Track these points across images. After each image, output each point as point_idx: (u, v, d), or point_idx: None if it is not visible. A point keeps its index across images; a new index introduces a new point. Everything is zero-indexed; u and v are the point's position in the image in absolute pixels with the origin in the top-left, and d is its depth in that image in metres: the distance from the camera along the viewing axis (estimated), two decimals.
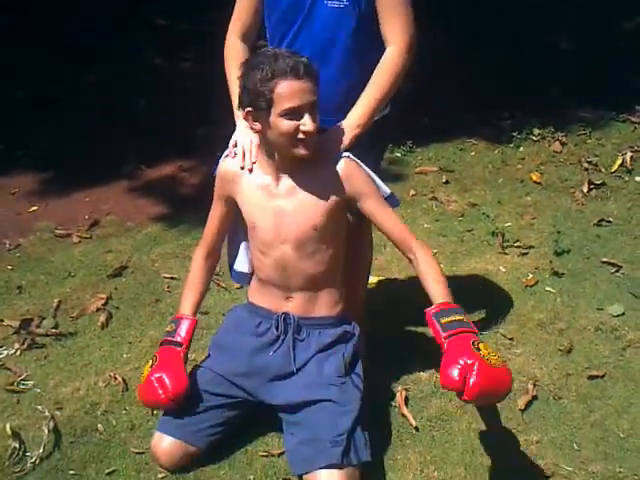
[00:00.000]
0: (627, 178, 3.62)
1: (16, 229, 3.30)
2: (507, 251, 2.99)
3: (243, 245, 2.11)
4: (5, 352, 2.42)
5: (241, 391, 1.96)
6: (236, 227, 2.08)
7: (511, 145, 4.05)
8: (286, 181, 1.90)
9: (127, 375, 2.29)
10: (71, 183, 3.70)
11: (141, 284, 2.83)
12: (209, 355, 2.08)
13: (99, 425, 2.09)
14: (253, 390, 1.97)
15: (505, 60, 4.80)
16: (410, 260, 1.91)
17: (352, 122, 1.91)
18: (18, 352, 2.42)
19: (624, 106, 4.34)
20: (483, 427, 2.05)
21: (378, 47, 1.94)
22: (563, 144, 4.02)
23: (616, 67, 4.77)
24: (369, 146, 1.98)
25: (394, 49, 1.92)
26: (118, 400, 2.19)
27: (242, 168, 1.93)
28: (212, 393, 1.95)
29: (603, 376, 2.24)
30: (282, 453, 1.95)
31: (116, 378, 2.27)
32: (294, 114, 1.75)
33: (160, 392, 1.86)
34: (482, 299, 2.63)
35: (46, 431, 2.03)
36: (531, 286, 2.73)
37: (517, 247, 3.01)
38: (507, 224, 3.21)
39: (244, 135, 1.95)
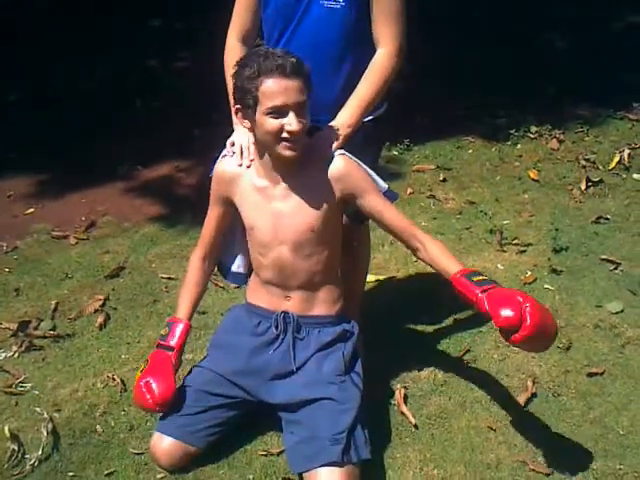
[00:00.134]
0: (625, 175, 3.62)
1: (13, 231, 3.29)
2: (505, 249, 2.98)
3: (238, 245, 2.10)
4: (3, 354, 2.42)
5: (241, 391, 1.96)
6: (232, 227, 2.08)
7: (508, 143, 4.04)
8: (282, 183, 1.89)
9: (125, 376, 2.28)
10: (67, 184, 3.70)
11: (138, 285, 2.83)
12: (208, 355, 2.08)
13: (98, 426, 2.09)
14: (253, 389, 1.96)
15: (503, 58, 4.80)
16: (416, 249, 1.90)
17: (343, 122, 1.91)
18: (16, 354, 2.41)
19: (621, 103, 4.34)
20: (482, 425, 2.05)
21: (372, 48, 1.95)
22: (560, 141, 4.01)
23: (613, 64, 4.77)
24: (365, 145, 1.98)
25: (385, 51, 1.93)
26: (116, 401, 2.19)
27: (240, 165, 1.93)
28: (211, 393, 1.95)
29: (602, 373, 2.24)
30: (281, 452, 1.95)
31: (114, 379, 2.26)
32: (279, 113, 1.74)
33: (148, 397, 1.88)
34: None
35: (45, 433, 2.03)
36: (529, 284, 2.72)
37: (515, 245, 3.00)
38: (505, 222, 3.21)
39: (242, 135, 1.95)
